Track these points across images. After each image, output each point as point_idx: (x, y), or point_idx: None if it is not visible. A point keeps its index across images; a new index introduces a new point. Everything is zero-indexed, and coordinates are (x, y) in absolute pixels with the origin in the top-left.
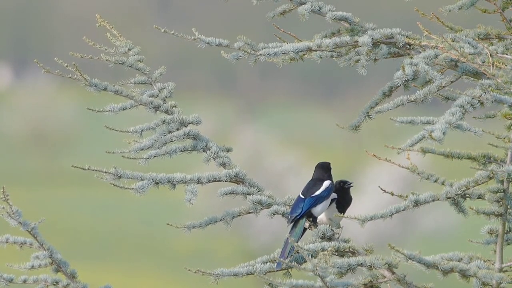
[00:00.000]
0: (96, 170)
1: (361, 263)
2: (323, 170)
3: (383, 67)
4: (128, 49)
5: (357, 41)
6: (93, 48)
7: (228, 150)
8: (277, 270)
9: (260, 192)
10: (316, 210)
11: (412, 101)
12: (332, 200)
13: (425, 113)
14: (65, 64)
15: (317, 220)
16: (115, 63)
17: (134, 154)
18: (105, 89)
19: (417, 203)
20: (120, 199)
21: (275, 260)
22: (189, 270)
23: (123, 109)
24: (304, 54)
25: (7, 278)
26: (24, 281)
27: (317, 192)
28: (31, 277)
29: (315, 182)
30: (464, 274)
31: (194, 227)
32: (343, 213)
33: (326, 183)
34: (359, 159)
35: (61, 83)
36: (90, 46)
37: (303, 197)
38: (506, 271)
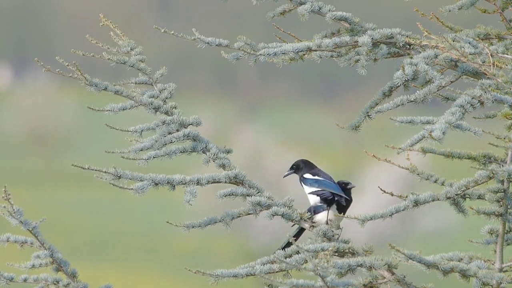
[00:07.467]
0: (95, 170)
1: (361, 264)
2: (310, 164)
3: (383, 67)
4: (131, 49)
5: (357, 41)
6: (94, 47)
7: (228, 152)
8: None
9: (259, 194)
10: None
11: (412, 101)
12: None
13: (425, 113)
14: (66, 63)
15: (317, 220)
16: (117, 62)
17: (133, 154)
18: (105, 89)
19: (417, 203)
20: (120, 199)
21: (274, 261)
22: (189, 270)
23: (123, 109)
24: (304, 54)
25: (8, 277)
26: (25, 280)
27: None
28: (32, 276)
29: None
30: (464, 274)
31: (193, 227)
32: (343, 214)
33: None
34: (359, 159)
35: (61, 83)
36: (91, 45)
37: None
38: (506, 271)
